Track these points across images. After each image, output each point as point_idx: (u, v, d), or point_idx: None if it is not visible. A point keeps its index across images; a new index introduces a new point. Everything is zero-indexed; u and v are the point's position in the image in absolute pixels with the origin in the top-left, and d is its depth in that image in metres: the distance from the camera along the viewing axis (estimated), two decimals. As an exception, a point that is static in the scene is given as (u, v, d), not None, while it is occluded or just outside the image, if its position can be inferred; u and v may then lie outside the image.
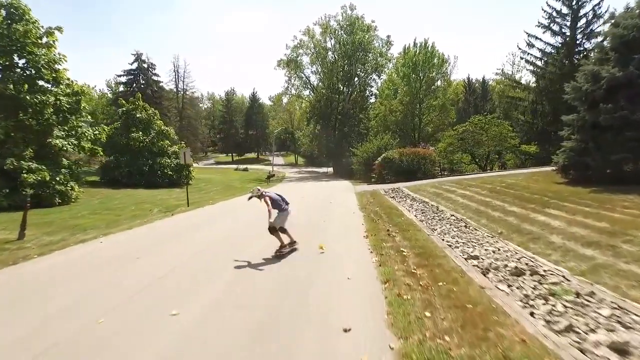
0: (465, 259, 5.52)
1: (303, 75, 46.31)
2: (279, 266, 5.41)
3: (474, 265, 5.16)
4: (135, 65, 32.66)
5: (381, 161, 22.80)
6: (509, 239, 6.62)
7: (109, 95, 34.95)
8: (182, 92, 34.41)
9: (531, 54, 28.62)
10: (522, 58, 28.13)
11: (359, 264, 5.33)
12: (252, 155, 78.29)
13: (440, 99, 35.47)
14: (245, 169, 52.78)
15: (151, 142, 25.41)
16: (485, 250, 5.99)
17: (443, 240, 6.85)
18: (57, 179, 14.89)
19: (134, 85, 32.84)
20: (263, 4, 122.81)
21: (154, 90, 33.31)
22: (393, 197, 14.34)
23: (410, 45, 36.38)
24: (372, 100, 47.09)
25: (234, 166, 58.43)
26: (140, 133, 24.82)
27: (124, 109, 25.43)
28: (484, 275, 4.75)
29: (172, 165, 26.04)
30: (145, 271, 5.29)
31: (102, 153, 19.14)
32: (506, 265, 5.01)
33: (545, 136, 27.09)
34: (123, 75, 33.32)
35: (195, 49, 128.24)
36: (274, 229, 6.13)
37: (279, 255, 5.92)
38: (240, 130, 74.23)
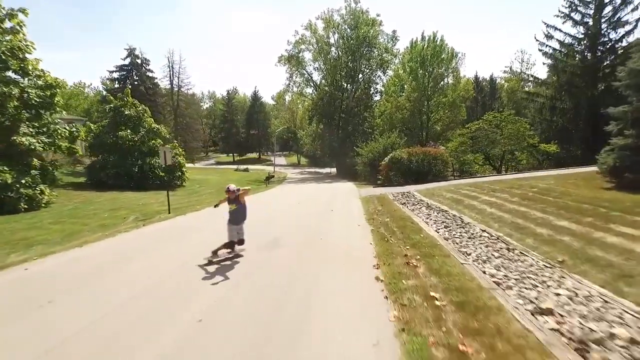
0: (533, 313, 3.60)
1: (305, 72, 44.49)
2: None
3: (553, 330, 3.24)
4: (128, 61, 31.05)
5: (388, 162, 20.87)
6: (580, 273, 4.68)
7: (104, 92, 33.36)
8: (177, 89, 32.61)
9: (550, 46, 26.48)
10: (540, 50, 25.98)
11: (368, 329, 3.39)
12: (254, 155, 76.66)
13: (450, 96, 33.39)
14: (246, 170, 51.11)
15: (141, 141, 23.68)
16: (555, 295, 4.06)
17: (485, 272, 4.93)
18: (23, 181, 13.15)
19: (127, 81, 31.23)
20: (264, 3, 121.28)
21: (147, 86, 31.68)
22: (404, 203, 12.41)
23: (418, 39, 34.41)
24: (377, 97, 45.16)
25: (235, 166, 56.84)
26: (129, 131, 23.10)
27: (111, 105, 23.74)
28: (583, 358, 2.81)
29: (164, 165, 24.25)
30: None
31: (80, 153, 17.38)
32: (612, 335, 3.07)
33: (566, 134, 25.00)
34: (115, 71, 31.72)
35: (197, 49, 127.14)
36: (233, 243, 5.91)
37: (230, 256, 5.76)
38: (242, 130, 72.56)
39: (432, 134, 33.79)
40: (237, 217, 6.01)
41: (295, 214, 11.38)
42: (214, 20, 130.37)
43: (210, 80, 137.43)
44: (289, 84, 44.51)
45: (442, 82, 34.15)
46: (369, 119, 43.38)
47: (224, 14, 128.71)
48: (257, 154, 76.07)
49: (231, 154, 73.24)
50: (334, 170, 47.04)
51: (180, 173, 26.22)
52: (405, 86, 34.89)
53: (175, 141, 26.42)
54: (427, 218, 9.30)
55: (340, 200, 14.91)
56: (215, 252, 5.80)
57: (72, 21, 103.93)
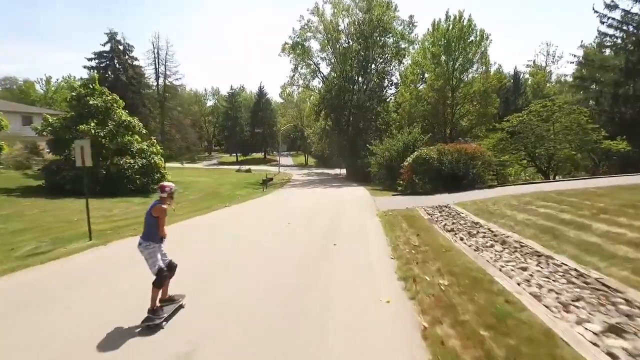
0: None
1: (312, 63, 40.02)
2: None
3: None
4: (108, 47, 27.26)
5: (412, 163, 16.18)
6: None
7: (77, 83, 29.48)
8: (163, 79, 28.65)
9: (613, 18, 21.26)
10: (602, 22, 20.78)
11: None
12: (259, 155, 72.61)
13: (481, 84, 28.34)
14: (248, 170, 47.08)
15: (108, 137, 19.58)
16: None
17: None
18: None
19: (108, 70, 27.50)
20: (270, 3, 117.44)
21: (130, 76, 27.83)
22: (452, 230, 7.76)
23: (442, 19, 29.44)
24: (392, 91, 40.32)
25: (237, 167, 52.89)
26: (93, 124, 19.01)
27: (74, 94, 19.75)
28: None
29: (138, 166, 20.13)
30: None
31: (6, 149, 13.27)
32: None
33: (636, 128, 19.79)
34: (93, 59, 27.96)
35: (200, 49, 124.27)
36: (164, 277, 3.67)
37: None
38: (246, 129, 68.55)
39: (458, 131, 28.83)
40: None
41: (264, 260, 6.76)
42: (219, 20, 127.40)
43: (214, 81, 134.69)
44: (294, 76, 40.17)
45: (470, 69, 29.20)
46: (383, 114, 38.66)
47: (231, 12, 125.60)
48: (263, 153, 71.96)
49: (235, 154, 69.33)
50: (343, 171, 42.52)
51: (159, 176, 22.04)
52: (427, 75, 29.91)
53: (153, 138, 22.22)
54: (515, 270, 4.65)
55: (350, 219, 10.33)
56: (154, 310, 3.58)
57: (87, 25, 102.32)
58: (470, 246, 6.25)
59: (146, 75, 29.34)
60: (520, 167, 20.12)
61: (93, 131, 18.83)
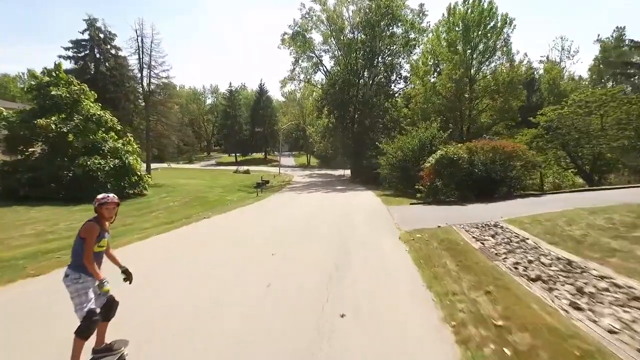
0: None
1: (313, 55, 36.98)
2: None
3: None
4: (87, 35, 24.44)
5: (435, 164, 13.05)
6: None
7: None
8: (147, 70, 25.77)
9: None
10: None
11: None
12: (260, 155, 69.72)
13: (506, 75, 25.05)
14: (247, 171, 44.23)
15: (74, 133, 16.71)
16: None
17: None
18: None
19: (86, 60, 24.67)
20: (271, 3, 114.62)
21: (112, 67, 25.01)
22: (537, 276, 4.62)
23: (458, 2, 26.19)
24: (401, 85, 37.20)
25: (234, 167, 50.08)
26: (55, 118, 16.13)
27: (33, 82, 16.91)
28: None
29: (109, 168, 17.23)
30: None
31: None
32: None
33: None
34: (71, 48, 25.09)
35: (200, 49, 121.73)
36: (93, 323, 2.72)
37: None
38: (244, 127, 65.66)
39: (477, 128, 25.59)
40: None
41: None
42: (223, 21, 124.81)
43: (218, 79, 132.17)
44: (294, 70, 37.14)
45: (491, 59, 25.97)
46: (391, 110, 35.52)
47: (231, 12, 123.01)
48: (263, 154, 69.04)
49: (234, 154, 66.46)
50: (347, 172, 39.50)
51: (137, 178, 19.16)
52: (443, 64, 26.63)
53: (129, 135, 19.30)
54: None
55: (362, 246, 7.21)
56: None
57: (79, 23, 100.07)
58: (613, 332, 3.15)
59: (130, 67, 26.47)
60: (560, 169, 16.93)
61: (54, 126, 15.95)
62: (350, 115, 35.38)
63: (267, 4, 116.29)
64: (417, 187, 14.08)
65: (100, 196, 2.97)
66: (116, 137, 19.26)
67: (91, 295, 2.75)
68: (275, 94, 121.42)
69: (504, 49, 25.95)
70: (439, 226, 8.32)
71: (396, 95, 36.90)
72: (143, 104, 25.45)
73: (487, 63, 25.86)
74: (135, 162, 17.88)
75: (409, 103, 33.90)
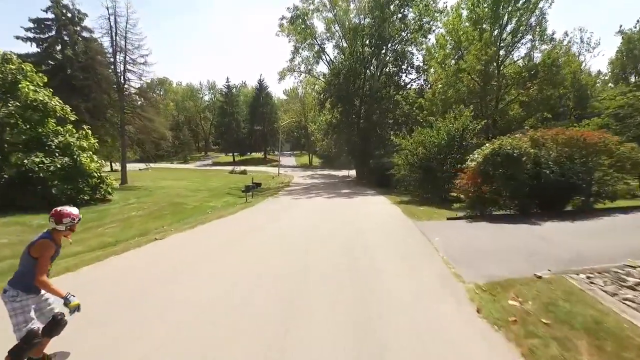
0: None
1: (315, 43, 33.17)
2: None
3: None
4: (51, 14, 20.84)
5: (482, 163, 9.24)
6: None
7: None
8: (122, 55, 22.13)
9: None
10: None
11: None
12: (259, 155, 66.08)
13: (546, 56, 21.12)
14: (244, 172, 40.65)
15: (8, 124, 13.11)
16: None
17: None
18: None
19: (51, 42, 21.08)
20: (272, 3, 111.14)
21: (80, 51, 21.44)
22: None
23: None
24: (413, 75, 33.33)
25: (230, 168, 46.56)
26: (-20, 105, 12.53)
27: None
28: None
29: (56, 167, 13.62)
30: None
31: None
32: None
33: None
34: (32, 29, 21.43)
35: (200, 49, 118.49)
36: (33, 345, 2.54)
37: None
38: (242, 125, 62.03)
39: (504, 122, 21.66)
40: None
41: None
42: (225, 21, 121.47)
43: (219, 79, 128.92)
44: (293, 59, 33.33)
45: (522, 41, 22.08)
46: (403, 104, 31.72)
47: (230, 12, 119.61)
48: (263, 153, 65.37)
49: (231, 154, 62.85)
50: (352, 173, 35.78)
51: (97, 180, 15.54)
52: (465, 48, 22.61)
53: (85, 127, 15.66)
54: None
55: (404, 327, 3.45)
56: None
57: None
58: None
59: (106, 51, 22.87)
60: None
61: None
62: (355, 109, 31.61)
63: (268, 4, 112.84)
64: (452, 194, 10.26)
65: (63, 211, 2.69)
66: (73, 130, 15.67)
67: (32, 314, 2.57)
68: (277, 91, 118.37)
69: (538, 29, 22.07)
70: (538, 276, 4.54)
71: (408, 86, 33.10)
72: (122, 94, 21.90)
73: (518, 45, 22.01)
74: (89, 160, 14.21)
75: (422, 95, 30.08)
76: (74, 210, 2.79)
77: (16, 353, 2.46)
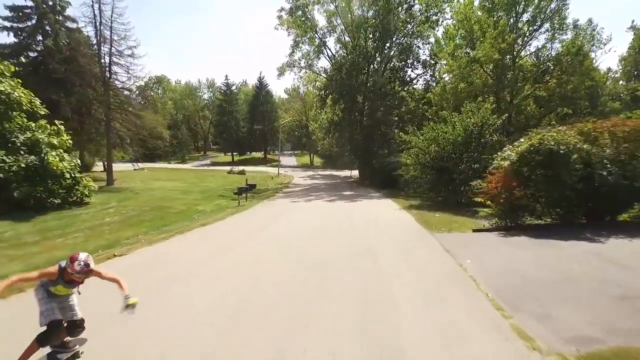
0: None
1: (316, 36, 31.44)
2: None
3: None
4: (30, 2, 19.24)
5: (516, 163, 7.51)
6: None
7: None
8: (107, 46, 20.46)
9: None
10: None
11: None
12: (259, 154, 64.43)
13: (570, 44, 19.26)
14: (242, 172, 38.95)
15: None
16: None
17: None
18: None
19: (27, 32, 19.49)
20: (272, 2, 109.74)
21: (63, 42, 19.80)
22: None
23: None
24: (419, 71, 31.60)
25: (229, 168, 44.90)
26: None
27: None
28: None
29: (19, 167, 12.00)
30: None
31: None
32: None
33: None
34: (9, 18, 19.72)
35: (203, 50, 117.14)
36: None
37: None
38: (242, 124, 60.39)
39: (520, 119, 19.83)
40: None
41: None
42: (228, 21, 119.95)
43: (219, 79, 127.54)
44: (293, 52, 31.60)
45: (539, 31, 20.28)
46: (409, 100, 30.02)
47: (230, 12, 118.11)
48: (263, 153, 63.72)
49: (230, 153, 61.21)
50: (355, 173, 34.03)
51: (71, 182, 13.91)
52: (477, 39, 20.68)
53: (57, 123, 13.97)
54: None
55: None
56: None
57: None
58: None
59: (92, 43, 21.24)
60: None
61: None
62: (358, 106, 29.88)
63: (269, 4, 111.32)
64: (473, 198, 8.53)
65: (78, 264, 2.65)
66: (46, 126, 14.04)
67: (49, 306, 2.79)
68: (277, 89, 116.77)
69: (557, 17, 20.24)
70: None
71: (414, 82, 31.40)
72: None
73: (536, 35, 20.21)
74: (57, 159, 12.53)
75: (429, 91, 28.34)
76: (81, 255, 2.74)
77: (41, 340, 2.72)
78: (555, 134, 7.18)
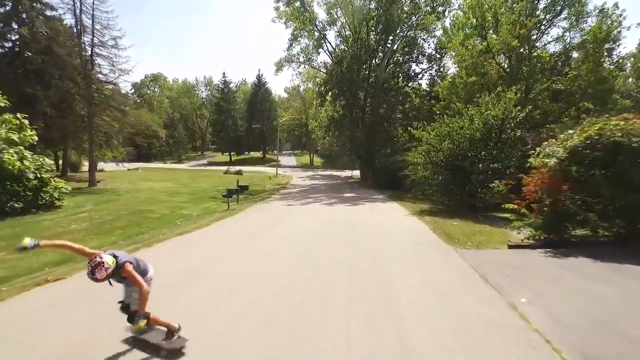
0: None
1: (315, 29, 29.81)
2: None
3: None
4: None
5: (564, 160, 5.93)
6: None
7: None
8: (88, 36, 18.89)
9: None
10: None
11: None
12: (258, 154, 62.86)
13: (596, 29, 17.58)
14: (239, 172, 37.39)
15: None
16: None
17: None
18: None
19: (3, 18, 17.92)
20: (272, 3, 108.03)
21: (40, 31, 18.22)
22: None
23: None
24: (424, 65, 29.97)
25: (225, 168, 43.33)
26: None
27: None
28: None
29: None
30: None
31: None
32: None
33: None
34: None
35: (202, 50, 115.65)
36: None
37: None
38: (240, 123, 58.83)
39: (537, 114, 18.11)
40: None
41: None
42: (229, 21, 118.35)
43: (218, 78, 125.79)
44: (291, 46, 29.96)
45: (557, 18, 18.61)
46: (413, 96, 28.43)
47: (240, 13, 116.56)
48: (262, 152, 62.15)
49: (228, 153, 59.61)
50: (356, 173, 32.44)
51: (38, 183, 12.35)
52: (492, 25, 18.87)
53: (20, 116, 12.34)
54: None
55: None
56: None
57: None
58: None
59: (74, 32, 19.67)
60: None
61: None
62: (360, 102, 28.26)
63: (269, 4, 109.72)
64: (513, 205, 6.89)
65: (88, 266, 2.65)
66: (13, 121, 12.44)
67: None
68: (276, 88, 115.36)
69: (577, 4, 18.58)
70: None
71: (419, 77, 29.80)
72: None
73: (554, 22, 18.54)
74: (14, 158, 10.94)
75: (434, 86, 26.74)
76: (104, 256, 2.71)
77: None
78: (623, 123, 5.55)
